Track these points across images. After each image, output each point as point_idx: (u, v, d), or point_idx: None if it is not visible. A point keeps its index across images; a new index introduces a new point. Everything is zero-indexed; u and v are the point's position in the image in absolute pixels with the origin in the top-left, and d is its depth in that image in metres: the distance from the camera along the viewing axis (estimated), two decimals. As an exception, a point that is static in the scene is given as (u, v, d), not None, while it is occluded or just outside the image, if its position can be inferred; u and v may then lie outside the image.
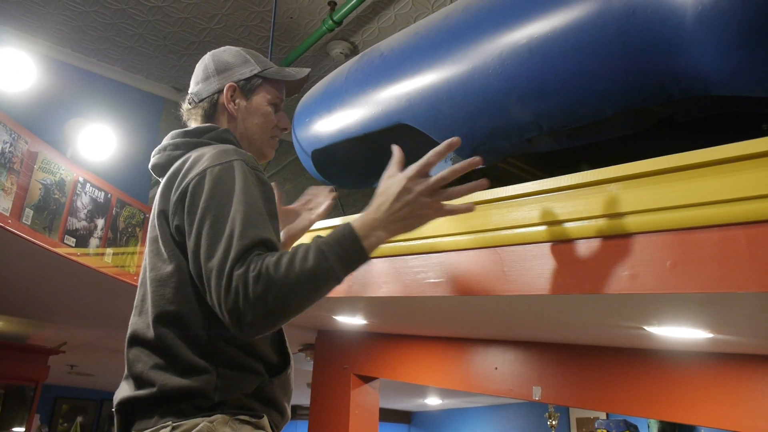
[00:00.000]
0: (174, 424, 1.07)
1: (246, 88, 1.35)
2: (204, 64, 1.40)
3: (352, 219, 1.11)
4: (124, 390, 1.15)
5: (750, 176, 1.12)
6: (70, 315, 4.90)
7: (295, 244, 1.11)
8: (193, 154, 1.22)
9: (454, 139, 1.11)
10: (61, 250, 3.09)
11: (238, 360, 1.13)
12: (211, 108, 1.35)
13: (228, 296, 1.00)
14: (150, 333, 1.15)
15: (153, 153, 1.33)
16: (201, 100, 1.36)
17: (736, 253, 1.12)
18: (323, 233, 1.10)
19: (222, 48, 1.43)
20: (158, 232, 1.20)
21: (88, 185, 3.44)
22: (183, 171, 1.18)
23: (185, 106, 1.39)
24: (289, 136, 2.17)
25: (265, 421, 1.15)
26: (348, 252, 1.06)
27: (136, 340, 1.17)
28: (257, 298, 0.99)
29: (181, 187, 1.15)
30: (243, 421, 1.11)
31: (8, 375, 5.65)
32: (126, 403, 1.14)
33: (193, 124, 1.36)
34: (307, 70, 1.41)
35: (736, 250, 1.13)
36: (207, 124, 1.32)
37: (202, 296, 1.10)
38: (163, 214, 1.19)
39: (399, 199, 1.09)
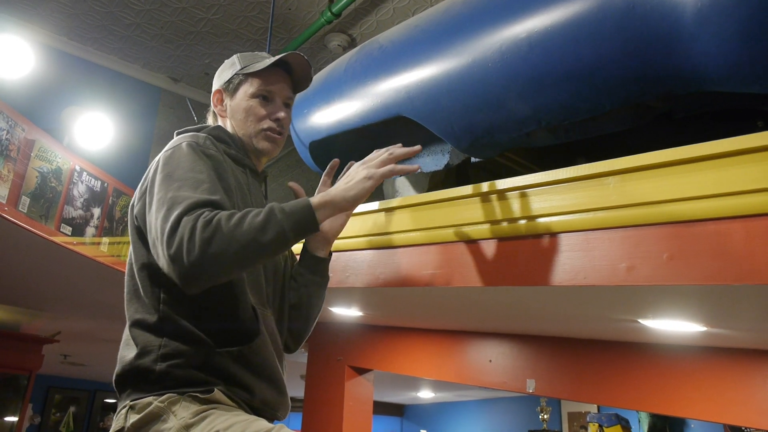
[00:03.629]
0: (131, 404, 1.14)
1: (230, 89, 1.41)
2: None
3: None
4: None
5: (745, 171, 1.14)
6: (64, 304, 4.89)
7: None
8: None
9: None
10: (58, 239, 3.09)
11: (183, 332, 1.16)
12: (213, 116, 1.47)
13: (172, 239, 1.04)
14: (126, 315, 1.24)
15: None
16: (208, 112, 1.49)
17: (731, 246, 1.14)
18: None
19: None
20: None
21: (84, 174, 3.43)
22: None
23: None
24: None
25: (217, 394, 1.14)
26: (297, 212, 1.13)
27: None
28: (203, 241, 1.02)
29: (147, 180, 1.24)
30: (192, 397, 1.13)
31: (2, 364, 5.61)
32: (114, 383, 1.22)
33: None
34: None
35: (732, 243, 1.14)
36: (201, 124, 1.42)
37: (155, 275, 1.18)
38: (132, 206, 1.28)
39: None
